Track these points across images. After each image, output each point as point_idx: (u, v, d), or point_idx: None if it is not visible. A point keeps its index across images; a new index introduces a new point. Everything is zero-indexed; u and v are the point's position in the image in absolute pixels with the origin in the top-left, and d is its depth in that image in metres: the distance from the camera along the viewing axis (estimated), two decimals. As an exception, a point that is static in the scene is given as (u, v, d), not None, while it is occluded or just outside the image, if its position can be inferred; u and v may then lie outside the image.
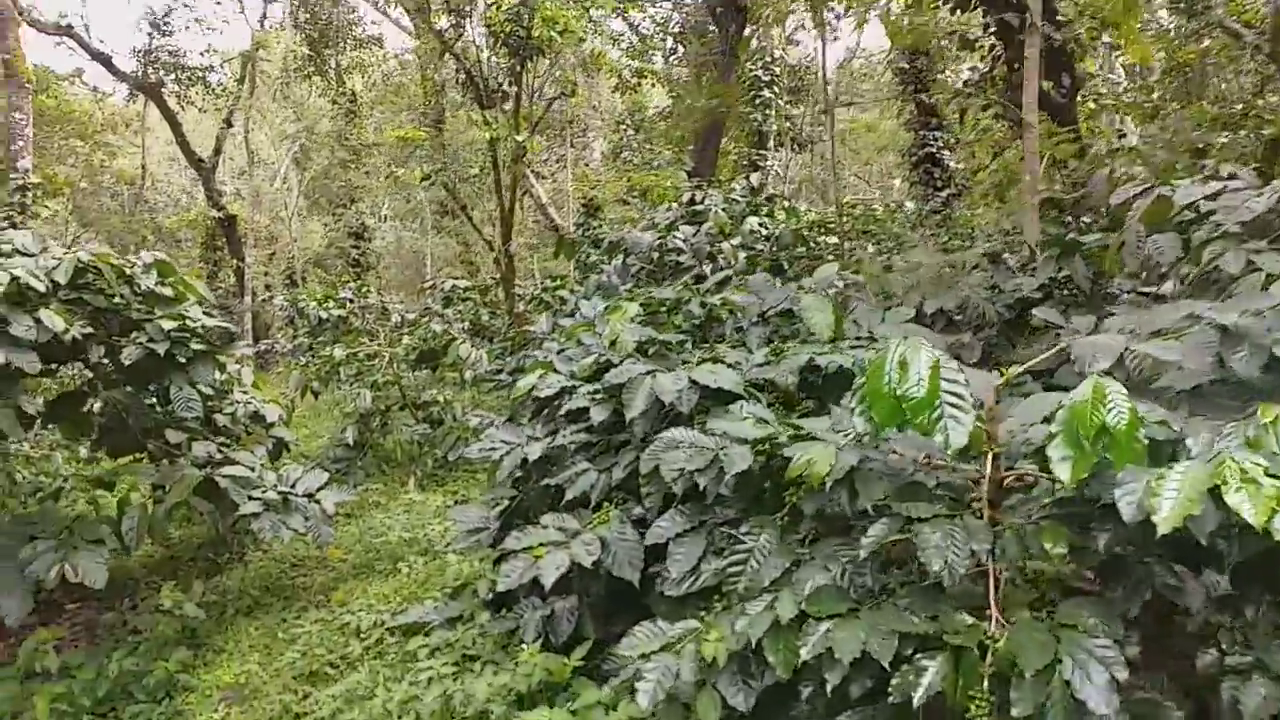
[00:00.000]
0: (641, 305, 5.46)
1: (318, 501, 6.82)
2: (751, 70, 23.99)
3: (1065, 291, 6.42)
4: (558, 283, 15.45)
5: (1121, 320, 4.02)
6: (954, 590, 2.92)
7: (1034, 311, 5.67)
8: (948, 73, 28.13)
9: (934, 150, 28.29)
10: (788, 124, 28.32)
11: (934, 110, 28.45)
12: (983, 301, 6.02)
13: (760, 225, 13.79)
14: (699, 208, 14.38)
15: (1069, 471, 2.69)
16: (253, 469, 6.78)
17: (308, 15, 31.37)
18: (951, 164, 28.52)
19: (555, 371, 5.43)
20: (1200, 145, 13.49)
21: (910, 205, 22.62)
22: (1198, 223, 5.70)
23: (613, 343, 5.13)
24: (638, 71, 22.74)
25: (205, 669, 5.91)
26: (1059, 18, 13.91)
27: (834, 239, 14.17)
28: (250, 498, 6.53)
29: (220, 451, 6.87)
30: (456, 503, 8.95)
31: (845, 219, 12.68)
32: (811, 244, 13.50)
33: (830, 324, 4.97)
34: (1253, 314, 3.45)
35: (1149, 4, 15.52)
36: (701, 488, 3.61)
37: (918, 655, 2.83)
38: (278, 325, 21.51)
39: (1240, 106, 13.52)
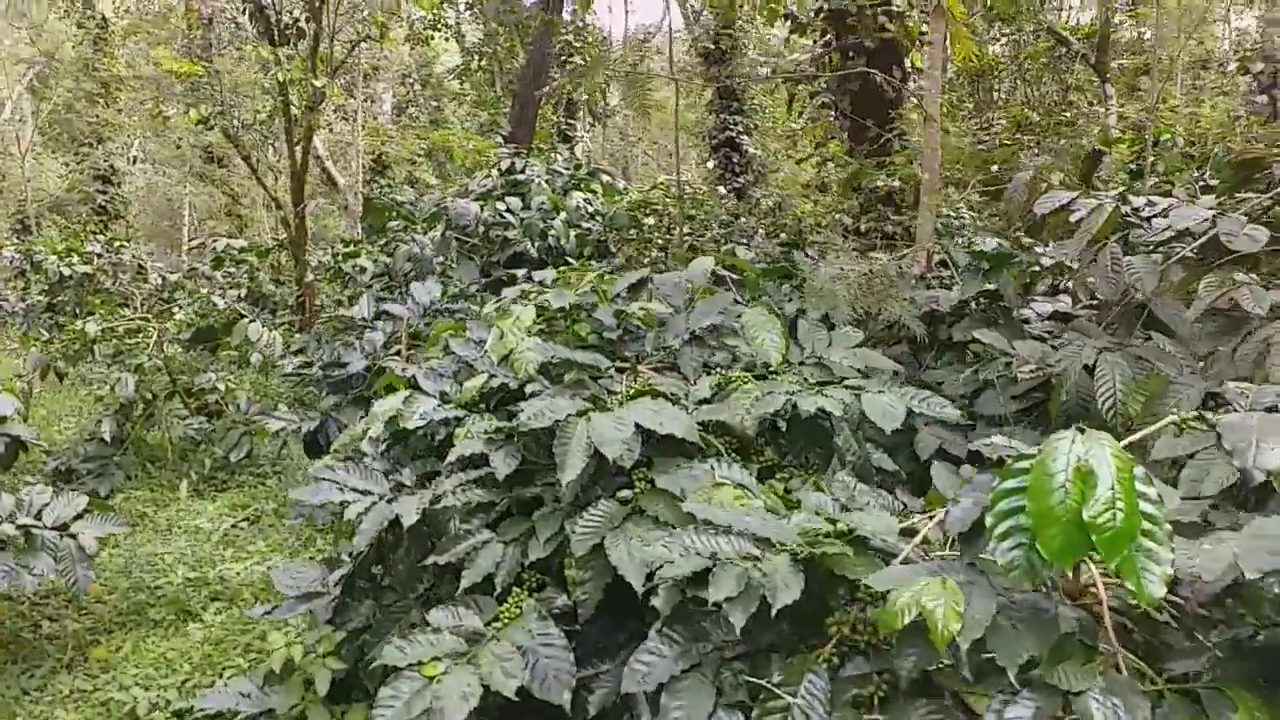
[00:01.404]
0: (536, 309, 4.27)
1: (73, 536, 5.19)
2: (564, 34, 22.73)
3: (981, 308, 5.80)
4: (350, 248, 13.74)
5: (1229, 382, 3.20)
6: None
7: (977, 334, 4.96)
8: (753, 55, 28.01)
9: (734, 135, 28.13)
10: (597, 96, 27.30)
11: (735, 94, 28.28)
12: (911, 318, 5.26)
13: (585, 201, 12.73)
14: (519, 178, 13.14)
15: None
16: (-23, 494, 5.07)
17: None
18: (751, 150, 28.47)
19: (421, 392, 4.15)
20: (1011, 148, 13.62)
21: (722, 190, 22.18)
22: (1143, 242, 5.20)
23: (504, 358, 3.94)
24: (431, 23, 20.96)
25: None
26: (894, 7, 13.60)
27: (653, 220, 13.31)
28: (-28, 536, 4.84)
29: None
30: (247, 520, 7.38)
31: (679, 201, 11.79)
32: (639, 226, 12.55)
33: (780, 347, 4.01)
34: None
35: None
36: (699, 605, 2.49)
37: None
38: (5, 279, 18.37)
39: (1045, 113, 13.76)
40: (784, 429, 3.62)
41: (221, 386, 8.97)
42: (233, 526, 7.30)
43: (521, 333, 3.97)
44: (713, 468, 3.15)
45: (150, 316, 9.19)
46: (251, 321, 8.74)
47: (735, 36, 27.89)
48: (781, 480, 3.35)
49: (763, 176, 29.16)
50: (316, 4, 12.19)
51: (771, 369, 3.90)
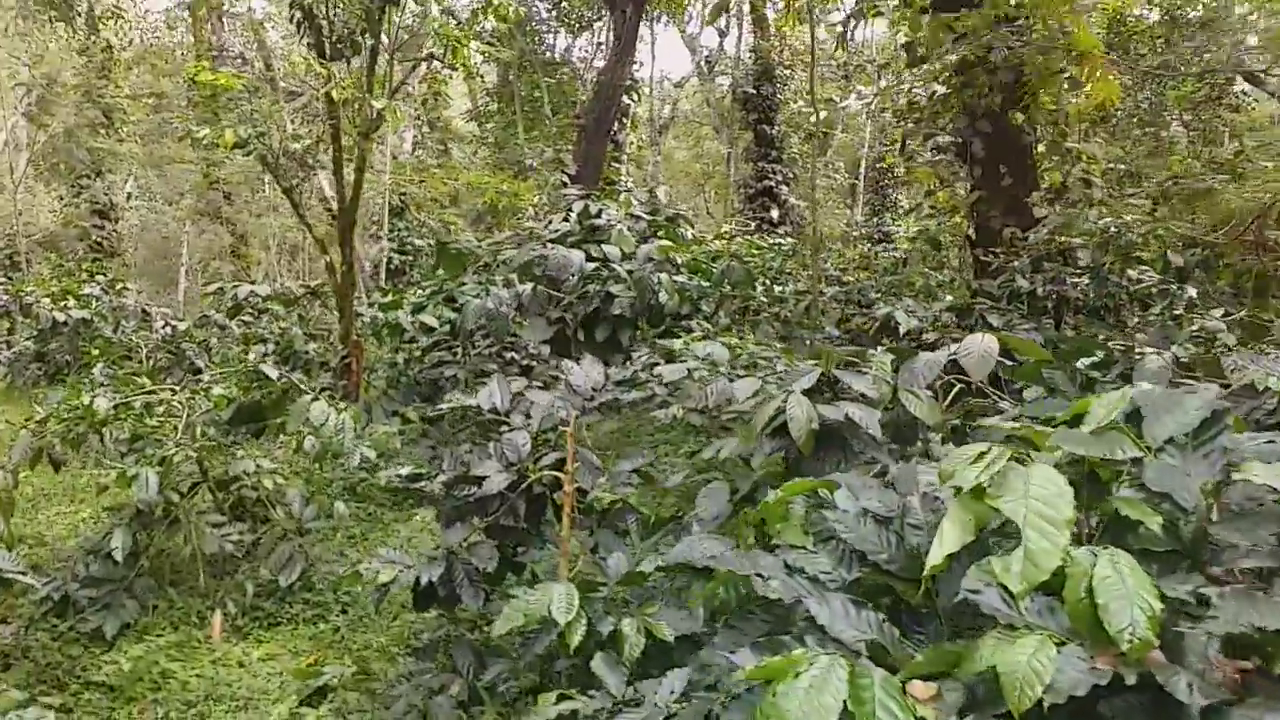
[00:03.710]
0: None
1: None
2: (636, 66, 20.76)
3: None
4: (398, 299, 11.50)
5: None
6: None
7: None
8: (799, 101, 26.18)
9: (773, 185, 26.26)
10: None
11: (774, 142, 26.45)
12: None
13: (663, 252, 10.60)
14: (598, 223, 11.02)
15: None
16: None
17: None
18: (791, 199, 26.60)
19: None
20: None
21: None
22: None
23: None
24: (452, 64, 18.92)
25: None
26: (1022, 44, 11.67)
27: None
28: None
29: None
30: (322, 696, 5.06)
31: (814, 253, 9.62)
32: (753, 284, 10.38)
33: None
34: None
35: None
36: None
37: None
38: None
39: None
40: None
41: (268, 483, 6.67)
42: (300, 704, 4.98)
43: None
44: None
45: (178, 388, 6.89)
46: (314, 399, 6.48)
47: (776, 80, 26.15)
48: None
49: (799, 228, 27.25)
50: (376, 15, 10.12)
51: None
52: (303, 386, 6.77)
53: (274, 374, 6.76)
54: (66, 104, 21.86)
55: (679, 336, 10.93)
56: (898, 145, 12.79)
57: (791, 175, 27.26)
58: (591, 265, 8.78)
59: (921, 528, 2.28)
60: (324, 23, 10.20)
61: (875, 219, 33.19)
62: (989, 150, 11.52)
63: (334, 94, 9.64)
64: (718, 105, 37.93)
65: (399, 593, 4.91)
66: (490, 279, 9.72)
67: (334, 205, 11.49)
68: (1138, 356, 4.92)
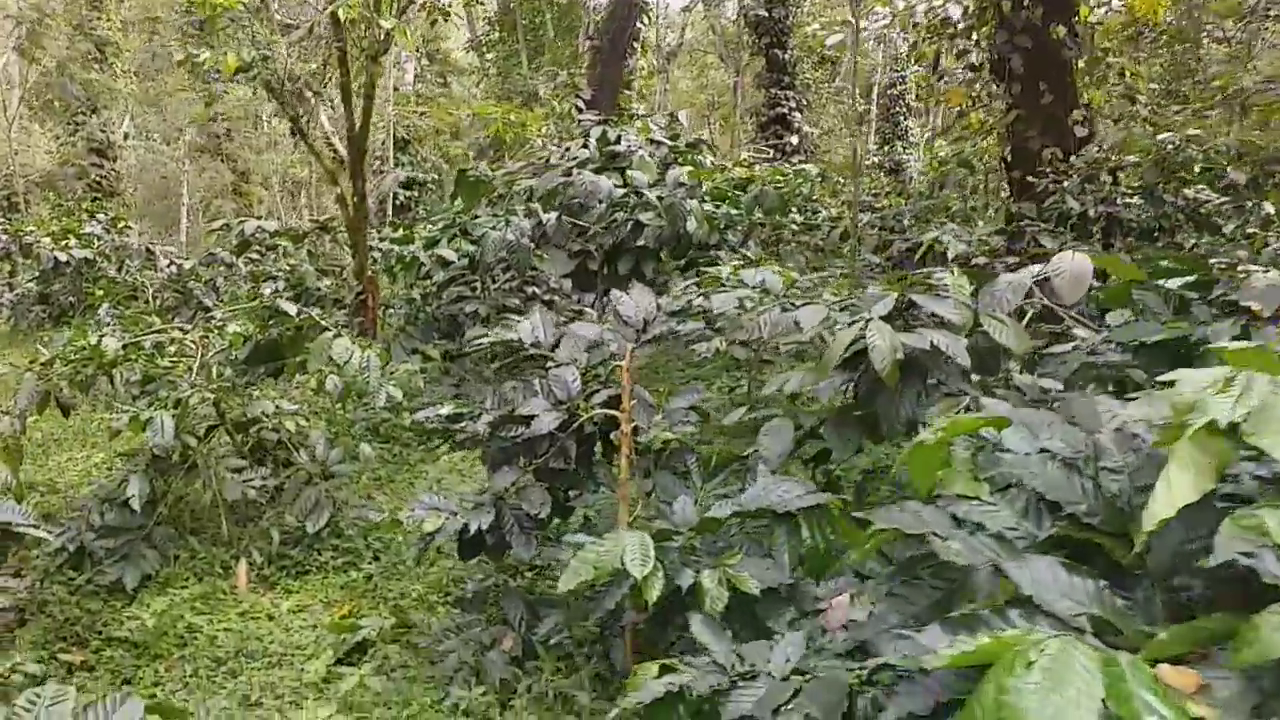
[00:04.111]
0: None
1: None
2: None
3: None
4: (409, 233, 11.00)
5: None
6: None
7: None
8: (815, 22, 25.25)
9: (785, 111, 25.48)
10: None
11: (786, 67, 25.58)
12: None
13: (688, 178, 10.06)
14: (618, 149, 10.49)
15: None
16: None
17: None
18: (805, 126, 25.85)
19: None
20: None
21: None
22: None
23: None
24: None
25: None
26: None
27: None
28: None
29: None
30: (359, 652, 4.71)
31: (854, 176, 9.08)
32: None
33: None
34: None
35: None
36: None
37: None
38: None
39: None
40: None
41: (290, 425, 6.27)
42: (337, 663, 4.64)
43: None
44: None
45: (189, 326, 6.46)
46: (337, 335, 6.05)
47: (788, 2, 25.19)
48: None
49: (813, 156, 26.53)
50: (381, -74, 9.46)
51: None
52: (323, 323, 6.33)
53: (292, 310, 6.32)
54: (58, 37, 21.06)
55: (699, 267, 10.48)
56: (928, 63, 12.12)
57: (805, 102, 26.47)
58: (620, 192, 8.27)
59: (1120, 471, 1.88)
60: (326, -63, 9.56)
61: (885, 147, 32.43)
62: (1028, 66, 10.89)
63: (340, 13, 9.04)
64: (723, 32, 36.85)
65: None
66: (510, 209, 9.22)
67: (334, 139, 10.95)
68: (1241, 275, 4.47)
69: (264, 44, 9.13)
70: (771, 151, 24.15)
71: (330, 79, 9.97)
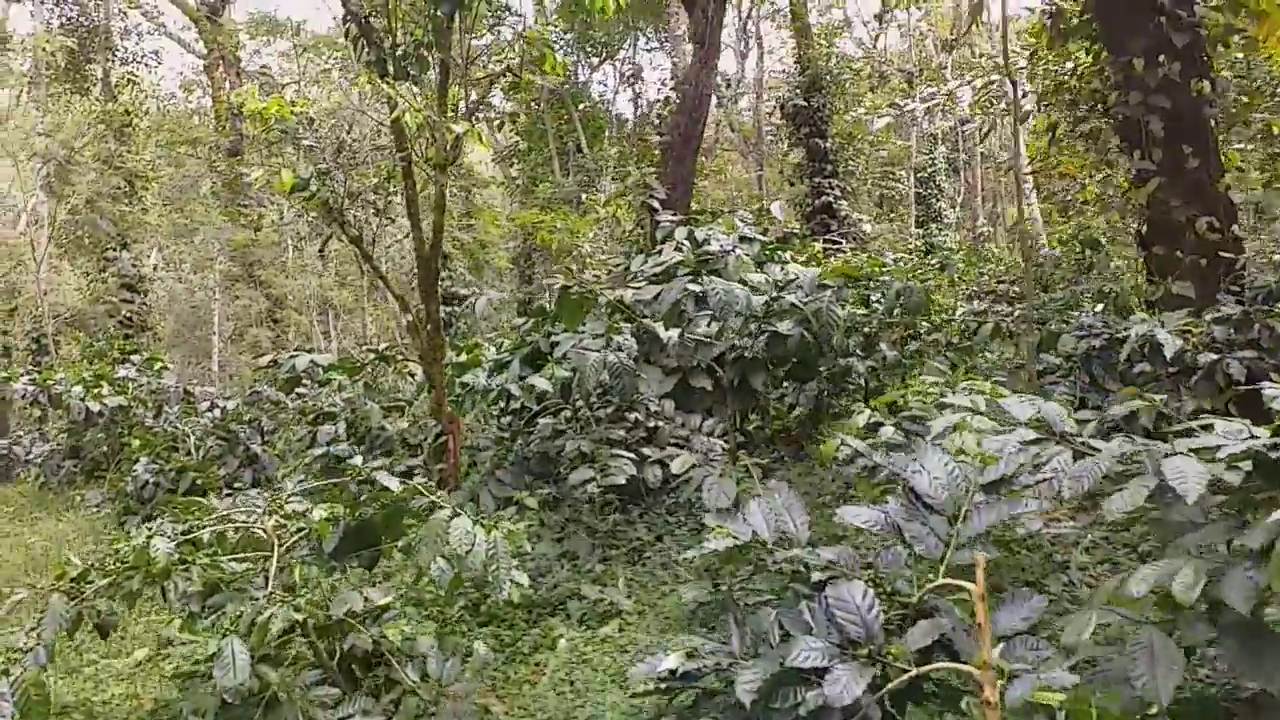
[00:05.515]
0: None
1: None
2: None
3: None
4: (475, 356, 9.58)
5: None
6: None
7: None
8: (860, 107, 24.34)
9: (830, 200, 24.37)
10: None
11: (828, 156, 24.59)
12: None
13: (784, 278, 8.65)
14: (711, 250, 9.15)
15: None
16: None
17: (64, 19, 23.75)
18: (852, 214, 24.70)
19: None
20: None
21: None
22: None
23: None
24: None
25: None
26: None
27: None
28: None
29: None
30: None
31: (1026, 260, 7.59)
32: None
33: None
34: None
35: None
36: None
37: None
38: (19, 418, 14.15)
39: None
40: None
41: (393, 634, 4.72)
42: None
43: None
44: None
45: (259, 507, 4.97)
46: (456, 515, 4.54)
47: (825, 91, 24.32)
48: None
49: (862, 245, 25.30)
50: (444, 24, 8.32)
51: None
52: (437, 501, 4.81)
53: (394, 485, 4.83)
54: (87, 173, 20.23)
55: (799, 379, 9.00)
56: (1045, 133, 10.80)
57: (849, 189, 25.40)
58: (759, 300, 6.83)
59: None
60: (382, 38, 8.40)
61: (920, 230, 31.29)
62: (1167, 128, 9.49)
63: (405, 119, 7.82)
64: (740, 130, 36.18)
65: None
66: (613, 326, 7.82)
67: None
68: None
69: (321, 158, 7.87)
70: (821, 243, 22.98)
71: (392, 195, 8.70)
